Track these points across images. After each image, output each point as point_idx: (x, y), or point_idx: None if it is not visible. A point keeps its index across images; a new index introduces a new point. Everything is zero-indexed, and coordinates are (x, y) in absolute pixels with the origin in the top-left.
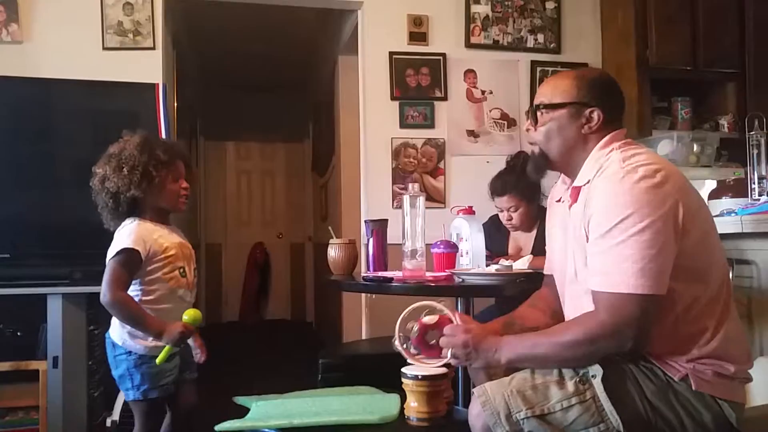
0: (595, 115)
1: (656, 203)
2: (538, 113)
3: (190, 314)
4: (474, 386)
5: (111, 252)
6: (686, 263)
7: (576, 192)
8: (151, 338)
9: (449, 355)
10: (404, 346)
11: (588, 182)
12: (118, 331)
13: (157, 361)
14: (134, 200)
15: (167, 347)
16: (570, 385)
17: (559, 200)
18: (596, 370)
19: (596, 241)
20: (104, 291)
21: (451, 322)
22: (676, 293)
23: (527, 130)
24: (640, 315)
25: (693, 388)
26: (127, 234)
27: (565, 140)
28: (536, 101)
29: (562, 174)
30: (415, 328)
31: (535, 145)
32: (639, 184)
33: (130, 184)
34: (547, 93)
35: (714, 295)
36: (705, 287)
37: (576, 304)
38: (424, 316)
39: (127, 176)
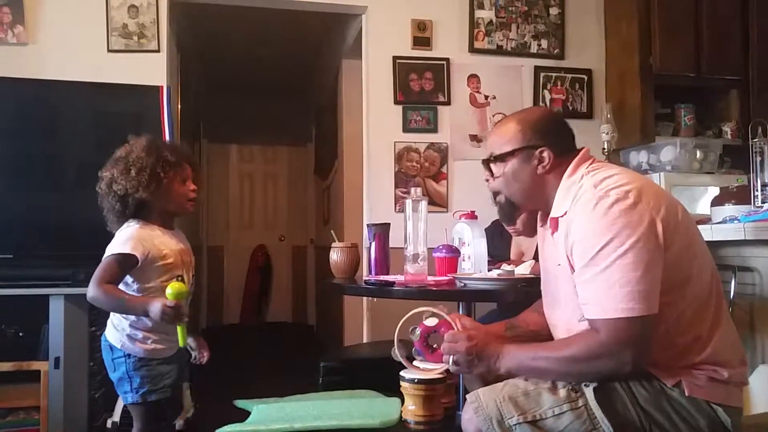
0: (545, 155)
1: (633, 224)
2: (492, 165)
3: (173, 288)
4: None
5: (107, 251)
6: (670, 275)
7: (555, 223)
8: (150, 341)
9: (450, 362)
10: (404, 354)
11: (565, 213)
12: (116, 334)
13: (180, 344)
14: (142, 203)
15: (179, 328)
16: (562, 392)
17: (542, 225)
18: None
19: (582, 270)
20: (90, 286)
21: (452, 327)
22: (665, 305)
23: (486, 180)
24: (637, 337)
25: (686, 393)
26: (126, 238)
27: (523, 184)
28: (487, 153)
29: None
30: (417, 331)
31: (500, 194)
32: (613, 209)
33: (139, 186)
34: (496, 143)
35: (703, 303)
36: (692, 297)
37: (568, 328)
38: (426, 319)
39: (135, 178)
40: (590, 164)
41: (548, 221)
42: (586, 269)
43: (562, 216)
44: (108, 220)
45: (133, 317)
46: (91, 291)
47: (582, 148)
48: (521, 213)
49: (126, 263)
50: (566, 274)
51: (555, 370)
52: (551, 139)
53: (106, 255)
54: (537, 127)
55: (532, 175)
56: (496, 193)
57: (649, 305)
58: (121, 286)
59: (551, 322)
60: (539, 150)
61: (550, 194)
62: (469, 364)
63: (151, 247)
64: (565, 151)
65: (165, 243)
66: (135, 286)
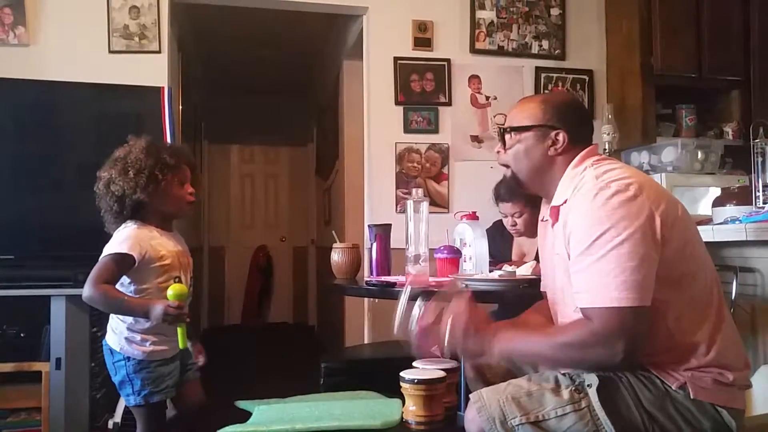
0: (560, 137)
1: (632, 216)
2: (507, 136)
3: (175, 289)
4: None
5: (104, 251)
6: (667, 273)
7: (555, 212)
8: (148, 343)
9: (446, 335)
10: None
11: (565, 201)
12: (115, 338)
13: (180, 345)
14: (139, 204)
15: (179, 329)
16: (565, 393)
17: (543, 219)
18: (592, 380)
19: (577, 258)
20: (86, 286)
21: None
22: (662, 303)
23: (497, 152)
24: (628, 327)
25: (691, 396)
26: (123, 238)
27: (532, 161)
28: (505, 125)
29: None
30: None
31: (508, 168)
32: (612, 200)
33: (136, 188)
34: (515, 116)
35: (704, 305)
36: (690, 297)
37: (565, 320)
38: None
39: (133, 179)
40: (596, 159)
41: (548, 212)
42: (582, 258)
43: (561, 204)
44: (105, 221)
45: (130, 320)
46: (88, 291)
47: (592, 144)
48: (524, 191)
49: (123, 263)
50: (564, 264)
51: (547, 355)
52: (569, 125)
53: (103, 255)
54: (559, 110)
55: (543, 154)
56: (502, 165)
57: (641, 297)
58: (116, 287)
59: (554, 316)
60: (555, 132)
61: (554, 180)
62: (464, 338)
63: (149, 248)
64: (579, 140)
65: (162, 244)
66: (131, 287)
